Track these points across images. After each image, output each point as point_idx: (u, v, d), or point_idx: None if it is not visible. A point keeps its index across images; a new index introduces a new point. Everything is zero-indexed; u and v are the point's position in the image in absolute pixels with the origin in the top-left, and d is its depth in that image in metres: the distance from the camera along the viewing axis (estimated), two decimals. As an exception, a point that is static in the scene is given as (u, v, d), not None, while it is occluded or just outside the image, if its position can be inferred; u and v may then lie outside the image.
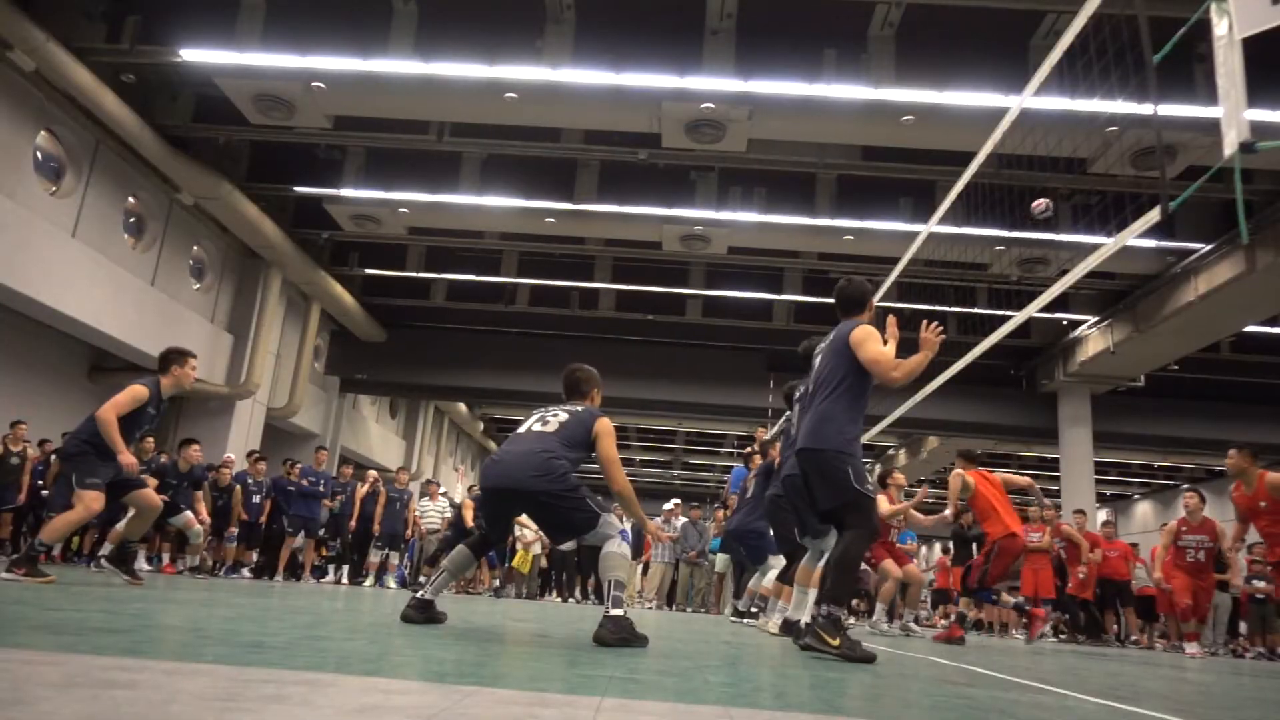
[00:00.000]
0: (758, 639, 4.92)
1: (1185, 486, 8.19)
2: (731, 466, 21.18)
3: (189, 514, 7.46)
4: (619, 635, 3.13)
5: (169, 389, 5.20)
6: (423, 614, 3.57)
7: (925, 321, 3.72)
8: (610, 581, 3.31)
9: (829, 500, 3.61)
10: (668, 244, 13.48)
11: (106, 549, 8.97)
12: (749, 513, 6.69)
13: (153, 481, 7.96)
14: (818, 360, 3.95)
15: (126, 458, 4.85)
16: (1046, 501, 9.83)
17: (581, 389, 3.88)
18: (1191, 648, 8.53)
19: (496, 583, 10.85)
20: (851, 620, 9.17)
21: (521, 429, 3.61)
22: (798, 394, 4.62)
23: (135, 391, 4.98)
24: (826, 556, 4.10)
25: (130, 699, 1.26)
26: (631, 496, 3.57)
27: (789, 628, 4.79)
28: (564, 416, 3.58)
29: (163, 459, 9.02)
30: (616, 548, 3.39)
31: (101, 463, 4.88)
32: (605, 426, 3.59)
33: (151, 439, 8.53)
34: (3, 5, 8.56)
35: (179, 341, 12.66)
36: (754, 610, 7.36)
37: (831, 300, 4.04)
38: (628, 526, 3.58)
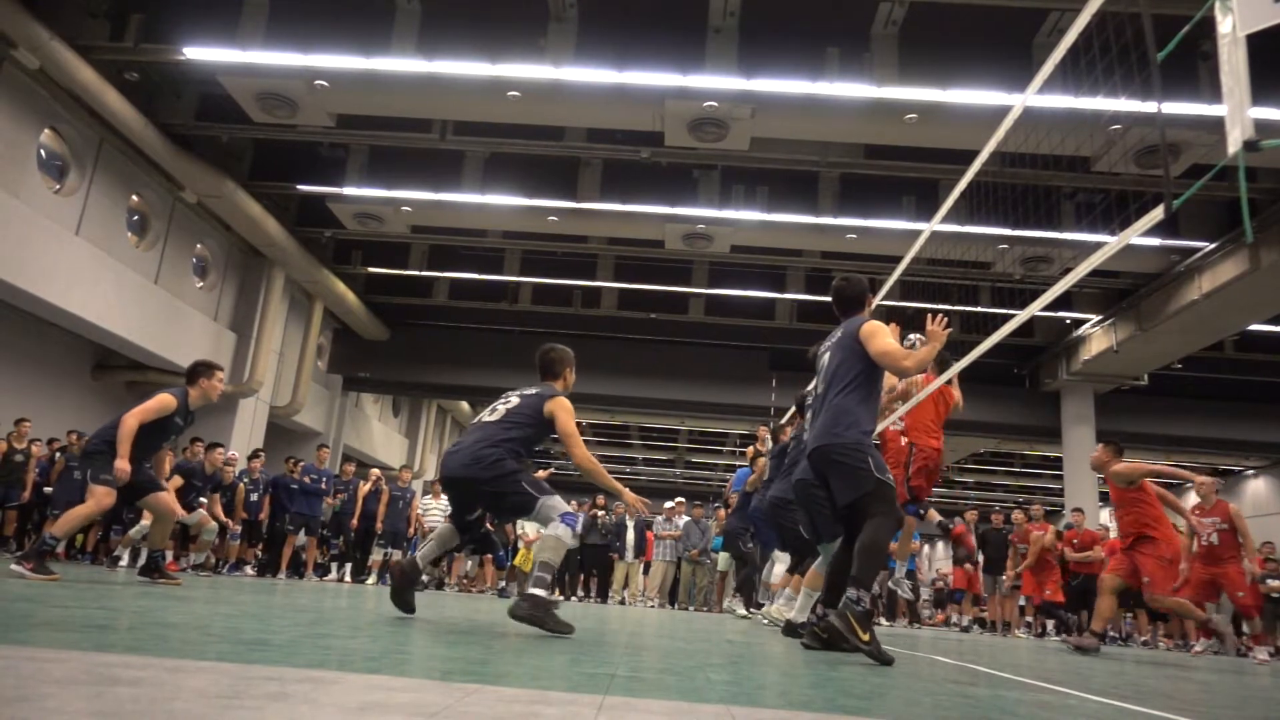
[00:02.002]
0: (760, 637, 4.92)
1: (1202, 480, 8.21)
2: (734, 466, 21.18)
3: (203, 512, 7.53)
4: (530, 613, 3.26)
5: (196, 401, 5.32)
6: (410, 578, 3.86)
7: (930, 315, 3.73)
8: (538, 562, 3.43)
9: (851, 493, 3.54)
10: (670, 242, 13.47)
11: (124, 555, 9.06)
12: (764, 498, 6.68)
13: (177, 481, 8.00)
14: (825, 358, 3.90)
15: (121, 464, 4.89)
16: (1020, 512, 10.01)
17: (554, 369, 4.01)
18: (1199, 645, 8.51)
19: (502, 583, 10.86)
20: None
21: (475, 419, 3.79)
22: (809, 400, 4.51)
23: (163, 400, 5.08)
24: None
25: (134, 696, 1.26)
26: (595, 469, 3.72)
27: (792, 630, 4.78)
28: (515, 401, 3.75)
29: (186, 455, 9.12)
30: (556, 530, 3.47)
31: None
32: (560, 404, 3.74)
33: (171, 453, 8.76)
34: (7, 4, 8.58)
35: (182, 339, 12.79)
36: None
37: (831, 299, 4.03)
38: (576, 510, 3.68)
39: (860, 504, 3.54)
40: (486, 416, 3.75)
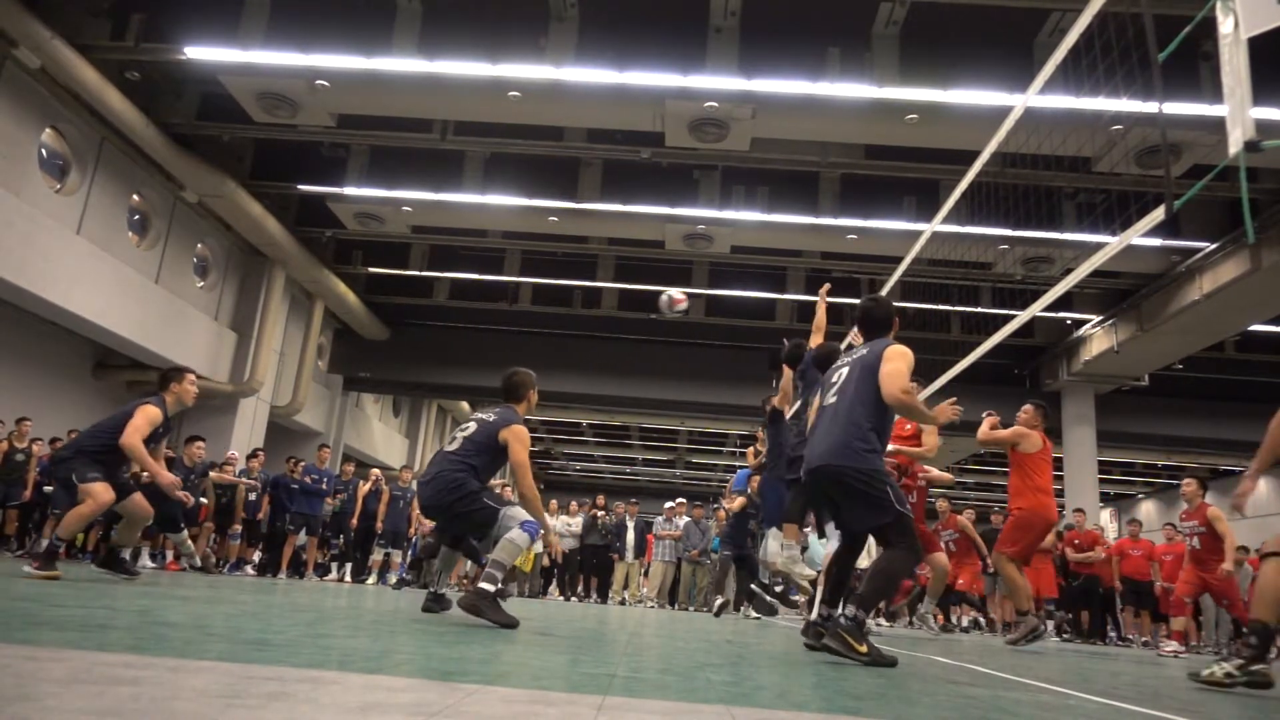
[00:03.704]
0: (761, 637, 4.92)
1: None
2: (735, 466, 21.16)
3: (185, 534, 7.57)
4: (473, 604, 3.60)
5: (172, 406, 5.33)
6: (441, 605, 4.27)
7: (953, 400, 3.65)
8: (489, 560, 3.80)
9: (868, 522, 3.46)
10: (670, 243, 13.47)
11: (96, 556, 9.06)
12: (772, 469, 6.66)
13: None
14: (843, 371, 3.70)
15: (165, 476, 5.11)
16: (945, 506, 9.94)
17: (517, 393, 4.31)
18: (1170, 645, 8.42)
19: (499, 585, 10.76)
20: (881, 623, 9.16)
21: (439, 450, 4.11)
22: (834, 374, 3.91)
23: (150, 414, 5.10)
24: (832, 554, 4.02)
25: (134, 695, 1.26)
26: (533, 500, 4.05)
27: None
28: (471, 429, 4.05)
29: (169, 453, 9.10)
30: (513, 535, 3.79)
31: (94, 462, 4.97)
32: (514, 434, 4.03)
33: (202, 442, 8.87)
34: (8, 3, 8.58)
35: (183, 338, 12.81)
36: (776, 585, 7.38)
37: (854, 312, 3.90)
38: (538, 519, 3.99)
39: (878, 532, 3.46)
40: (447, 446, 4.05)
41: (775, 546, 6.76)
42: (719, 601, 8.95)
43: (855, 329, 4.01)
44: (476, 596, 3.64)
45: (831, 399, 3.65)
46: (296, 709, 1.27)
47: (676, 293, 4.99)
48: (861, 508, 3.42)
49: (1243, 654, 3.34)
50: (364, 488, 11.14)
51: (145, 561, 8.82)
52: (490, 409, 4.23)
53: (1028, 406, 6.23)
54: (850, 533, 3.72)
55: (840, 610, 3.42)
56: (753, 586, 8.40)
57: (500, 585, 3.84)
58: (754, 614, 8.61)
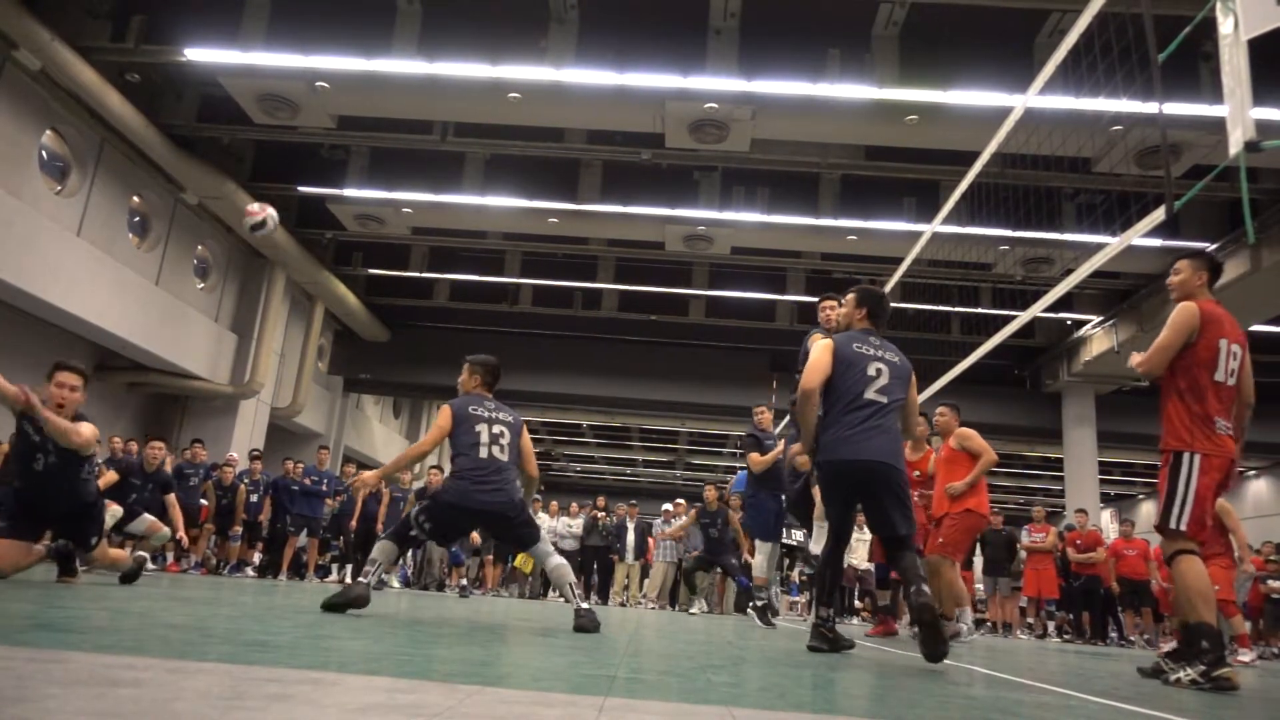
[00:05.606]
0: (761, 638, 4.91)
1: None
2: (735, 468, 21.15)
3: (148, 517, 6.96)
4: (595, 621, 3.93)
5: (51, 407, 4.61)
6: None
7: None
8: (568, 585, 4.13)
9: (897, 528, 3.56)
10: (671, 244, 13.48)
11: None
12: (762, 484, 6.65)
13: (112, 477, 7.48)
14: (883, 369, 3.63)
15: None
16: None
17: (497, 384, 4.46)
18: (1170, 645, 8.39)
19: (463, 581, 10.62)
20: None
21: (483, 452, 3.98)
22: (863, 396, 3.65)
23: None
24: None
25: (135, 697, 1.26)
26: (536, 481, 4.41)
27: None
28: (509, 436, 4.11)
29: (119, 449, 8.97)
30: (559, 561, 4.17)
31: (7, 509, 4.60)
32: (526, 428, 4.38)
33: (161, 443, 8.33)
34: (8, 4, 8.59)
35: (183, 340, 12.80)
36: (759, 600, 7.36)
37: (868, 302, 3.87)
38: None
39: (898, 540, 3.60)
40: (497, 452, 4.01)
41: (761, 560, 6.73)
42: (698, 604, 9.09)
43: (857, 309, 3.88)
44: (593, 617, 3.95)
45: (878, 396, 3.58)
46: (297, 710, 1.27)
47: (252, 205, 5.00)
48: (897, 512, 3.56)
49: (1204, 660, 3.25)
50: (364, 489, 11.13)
51: (148, 564, 8.81)
52: (486, 401, 4.18)
53: (943, 409, 6.05)
54: (840, 532, 3.79)
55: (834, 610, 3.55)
56: (751, 609, 8.41)
57: (581, 599, 4.16)
58: (771, 621, 8.59)
